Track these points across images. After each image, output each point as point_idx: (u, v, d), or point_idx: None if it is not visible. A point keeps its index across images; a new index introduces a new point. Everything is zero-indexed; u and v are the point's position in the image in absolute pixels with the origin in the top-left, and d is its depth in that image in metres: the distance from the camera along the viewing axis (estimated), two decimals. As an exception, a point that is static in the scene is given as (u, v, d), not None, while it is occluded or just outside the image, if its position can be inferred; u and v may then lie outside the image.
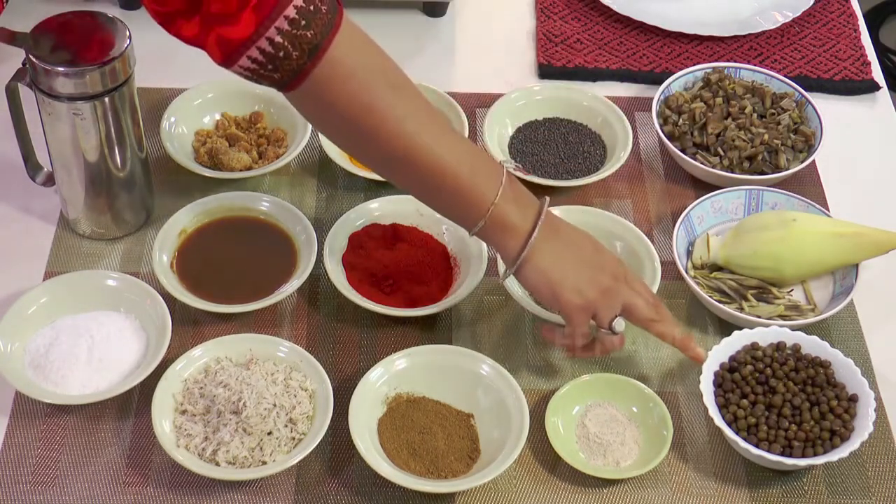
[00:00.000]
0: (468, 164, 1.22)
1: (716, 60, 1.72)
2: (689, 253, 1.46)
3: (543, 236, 1.23)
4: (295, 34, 1.14)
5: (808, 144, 1.56)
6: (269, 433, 1.25)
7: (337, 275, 1.39)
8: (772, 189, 1.49)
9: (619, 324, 1.28)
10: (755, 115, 1.57)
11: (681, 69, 1.67)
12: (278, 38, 1.13)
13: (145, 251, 1.45)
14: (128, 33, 1.35)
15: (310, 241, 1.41)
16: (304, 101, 1.21)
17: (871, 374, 1.37)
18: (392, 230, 1.45)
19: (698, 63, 1.70)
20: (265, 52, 1.14)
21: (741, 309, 1.40)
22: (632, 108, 1.64)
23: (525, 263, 1.24)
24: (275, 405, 1.26)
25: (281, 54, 1.15)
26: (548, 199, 1.26)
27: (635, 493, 1.27)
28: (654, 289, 1.38)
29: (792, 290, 1.44)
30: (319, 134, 1.53)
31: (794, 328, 1.36)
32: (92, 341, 1.31)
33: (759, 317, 1.38)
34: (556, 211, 1.47)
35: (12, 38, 1.33)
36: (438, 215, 1.45)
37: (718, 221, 1.49)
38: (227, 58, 1.16)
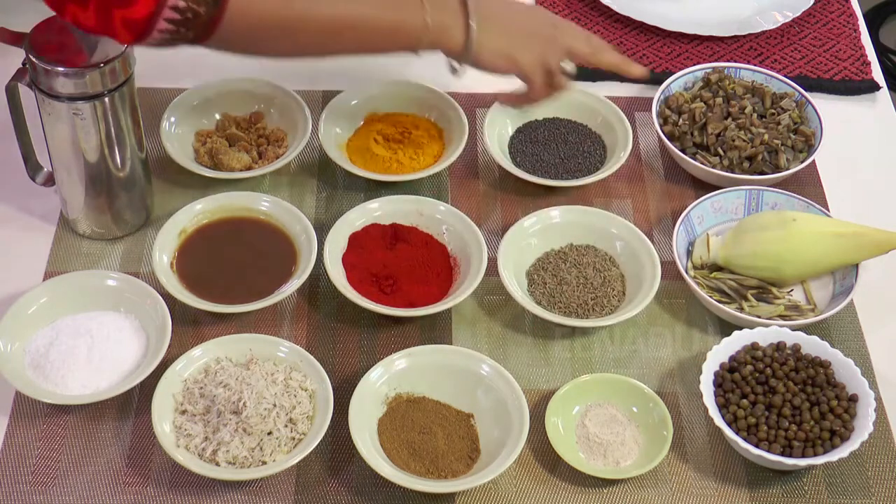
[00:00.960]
0: (387, 8, 1.31)
1: (716, 60, 1.72)
2: (689, 253, 1.46)
3: (478, 19, 1.33)
4: None
5: (808, 144, 1.56)
6: (269, 433, 1.25)
7: (337, 275, 1.39)
8: (772, 189, 1.49)
9: (569, 64, 1.42)
10: (755, 115, 1.57)
11: (681, 69, 1.67)
12: (182, 3, 1.16)
13: (145, 251, 1.45)
14: (128, 33, 1.34)
15: (310, 241, 1.41)
16: (223, 43, 1.25)
17: (871, 374, 1.37)
18: (392, 230, 1.45)
19: (698, 63, 1.70)
20: (173, 19, 1.16)
21: (741, 309, 1.40)
22: (632, 108, 1.64)
23: (476, 50, 1.34)
24: (275, 405, 1.26)
25: (189, 15, 1.17)
26: None
27: (635, 493, 1.27)
28: (654, 289, 1.39)
29: (792, 290, 1.44)
30: (319, 134, 1.53)
31: (794, 328, 1.36)
32: (92, 341, 1.31)
33: (759, 317, 1.38)
34: (556, 211, 1.47)
35: (12, 38, 1.33)
36: (438, 216, 1.45)
37: (718, 221, 1.49)
38: (138, 37, 1.18)
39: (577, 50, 1.41)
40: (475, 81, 1.68)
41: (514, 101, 1.46)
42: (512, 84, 1.44)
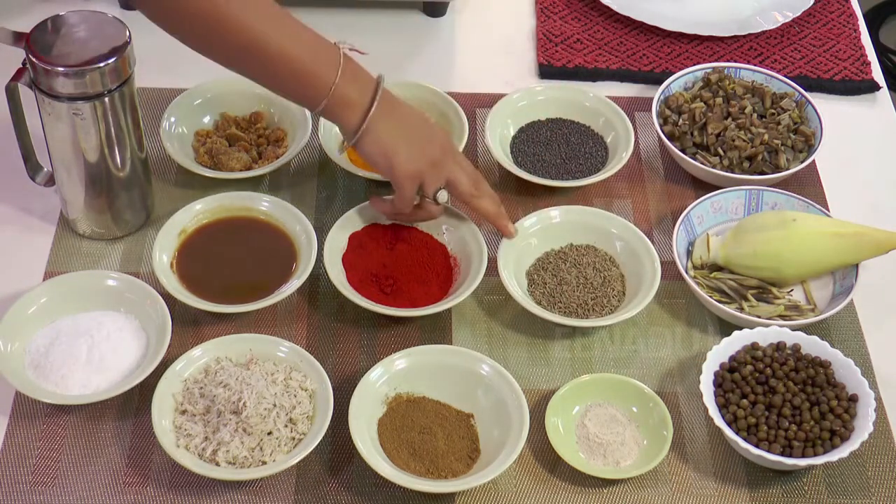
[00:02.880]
0: (309, 49, 1.31)
1: (716, 60, 1.72)
2: (689, 253, 1.46)
3: (381, 111, 1.33)
4: None
5: (808, 144, 1.56)
6: (269, 433, 1.25)
7: (337, 275, 1.39)
8: (772, 189, 1.49)
9: (442, 195, 1.40)
10: (755, 115, 1.57)
11: (681, 69, 1.67)
12: None
13: (145, 251, 1.45)
14: (128, 33, 1.35)
15: (310, 241, 1.41)
16: (150, 9, 1.28)
17: (871, 374, 1.37)
18: (392, 230, 1.45)
19: (698, 63, 1.70)
20: None
21: (741, 309, 1.40)
22: (632, 108, 1.64)
23: (364, 136, 1.34)
24: (275, 405, 1.26)
25: None
26: (383, 76, 1.35)
27: (635, 493, 1.27)
28: (654, 289, 1.39)
29: (792, 290, 1.44)
30: (319, 134, 1.53)
31: (794, 328, 1.36)
32: (92, 341, 1.31)
33: (759, 317, 1.38)
34: (556, 211, 1.47)
35: (12, 38, 1.33)
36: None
37: (718, 221, 1.49)
38: None
39: (461, 186, 1.39)
40: (475, 81, 1.69)
41: (380, 205, 1.44)
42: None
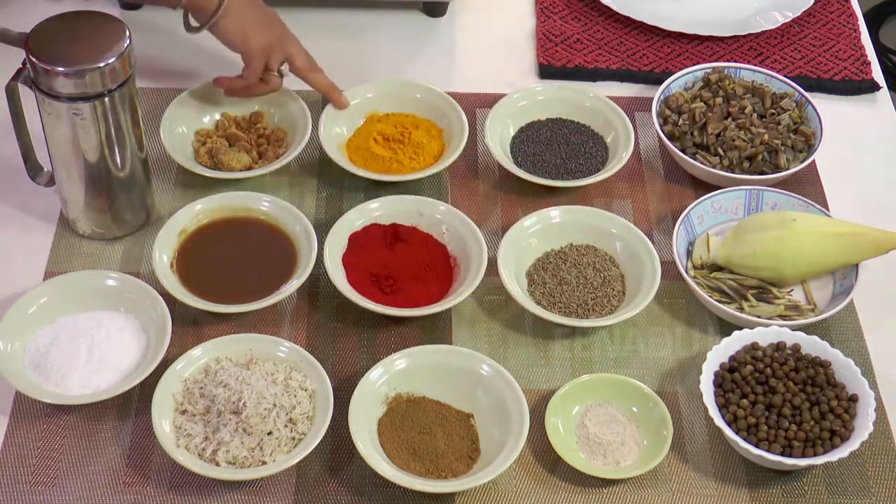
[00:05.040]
0: None
1: (716, 60, 1.72)
2: (689, 253, 1.46)
3: None
4: None
5: (808, 144, 1.56)
6: (269, 433, 1.25)
7: (337, 275, 1.39)
8: (772, 189, 1.49)
9: (285, 68, 1.55)
10: (755, 115, 1.57)
11: (681, 69, 1.67)
12: None
13: (145, 251, 1.45)
14: (128, 33, 1.35)
15: (310, 241, 1.41)
16: None
17: (871, 374, 1.37)
18: (392, 230, 1.45)
19: (698, 63, 1.70)
20: None
21: (741, 309, 1.40)
22: (632, 108, 1.64)
23: (223, 17, 1.48)
24: (275, 405, 1.26)
25: None
26: None
27: (635, 493, 1.27)
28: (654, 289, 1.39)
29: (792, 290, 1.44)
30: (319, 134, 1.53)
31: (794, 328, 1.36)
32: (92, 341, 1.31)
33: (759, 317, 1.38)
34: (556, 211, 1.47)
35: (12, 38, 1.33)
36: (438, 216, 1.45)
37: (718, 221, 1.49)
38: None
39: (299, 60, 1.54)
40: (475, 81, 1.69)
41: (227, 84, 1.55)
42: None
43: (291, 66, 1.55)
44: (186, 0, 1.47)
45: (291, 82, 1.59)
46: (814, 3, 1.79)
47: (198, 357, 1.31)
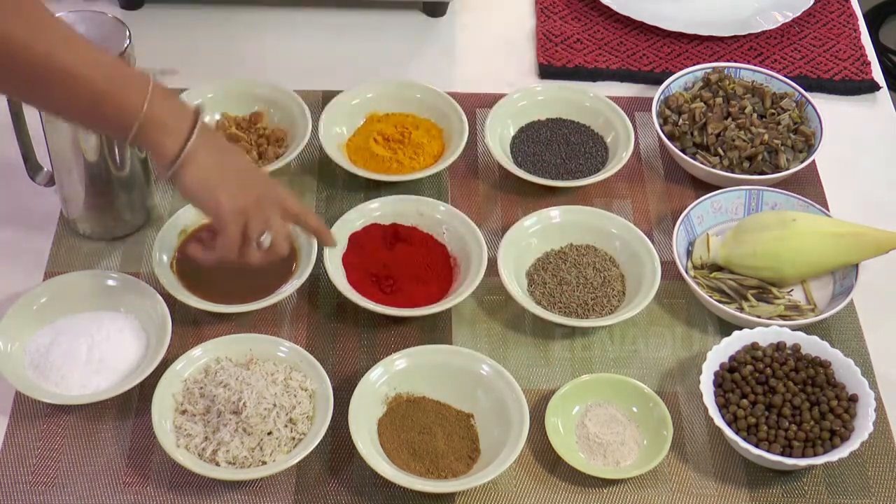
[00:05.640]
0: (103, 73, 1.17)
1: (716, 60, 1.72)
2: (689, 253, 1.46)
3: (202, 140, 1.21)
4: None
5: (808, 144, 1.56)
6: (269, 433, 1.25)
7: (337, 275, 1.39)
8: (772, 189, 1.49)
9: (267, 239, 1.28)
10: (755, 115, 1.57)
11: (681, 69, 1.67)
12: None
13: (145, 251, 1.45)
14: (128, 33, 1.34)
15: (310, 241, 1.41)
16: None
17: (871, 374, 1.37)
18: (392, 230, 1.45)
19: (698, 63, 1.70)
20: None
21: (741, 309, 1.40)
22: (632, 108, 1.64)
23: (185, 166, 1.21)
24: (275, 405, 1.26)
25: None
26: (202, 104, 1.28)
27: (635, 493, 1.27)
28: (654, 289, 1.39)
29: (792, 290, 1.44)
30: (319, 134, 1.53)
31: (794, 328, 1.36)
32: (92, 341, 1.31)
33: (759, 317, 1.38)
34: (556, 211, 1.47)
35: None
36: (438, 216, 1.45)
37: (718, 221, 1.49)
38: None
39: (285, 215, 1.30)
40: (475, 81, 1.69)
41: (200, 255, 1.30)
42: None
43: (286, 215, 1.30)
44: (134, 137, 1.19)
45: (291, 82, 1.59)
46: (814, 3, 1.79)
47: (198, 357, 1.31)
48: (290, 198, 1.31)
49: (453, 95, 1.60)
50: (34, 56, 1.14)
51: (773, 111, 1.58)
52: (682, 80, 1.63)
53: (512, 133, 1.59)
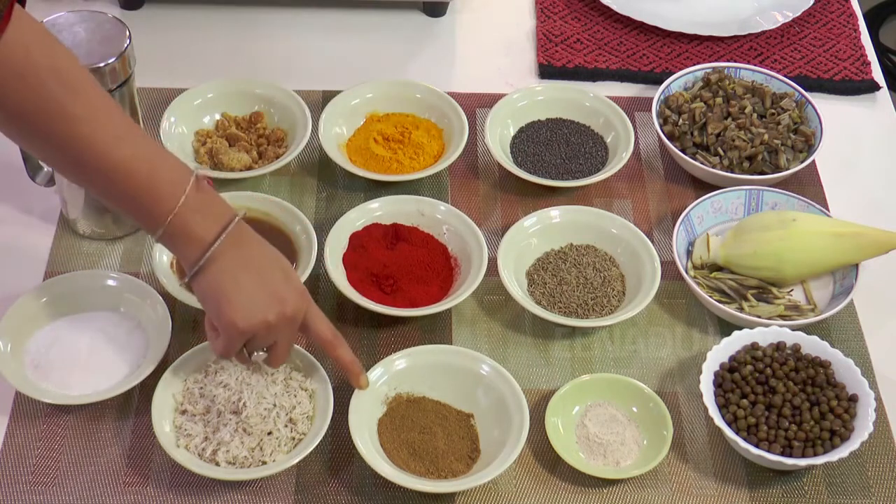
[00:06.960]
0: (146, 169, 1.14)
1: (716, 60, 1.72)
2: (689, 253, 1.46)
3: (225, 250, 1.16)
4: None
5: (808, 144, 1.56)
6: (269, 433, 1.25)
7: (337, 275, 1.39)
8: (772, 189, 1.49)
9: (260, 357, 1.27)
10: (755, 115, 1.57)
11: (681, 69, 1.67)
12: None
13: (145, 251, 1.45)
14: (128, 33, 1.35)
15: (310, 241, 1.41)
16: None
17: (871, 374, 1.37)
18: (393, 230, 1.45)
19: (698, 63, 1.70)
20: None
21: (741, 309, 1.40)
22: (632, 108, 1.64)
23: (200, 273, 1.17)
24: (275, 405, 1.26)
25: None
26: (244, 212, 1.19)
27: (635, 493, 1.27)
28: (654, 289, 1.39)
29: (792, 290, 1.44)
30: (319, 134, 1.53)
31: (794, 328, 1.36)
32: (92, 341, 1.31)
33: (759, 317, 1.38)
34: (556, 211, 1.47)
35: None
36: (439, 216, 1.45)
37: (718, 221, 1.49)
38: None
39: (278, 357, 1.24)
40: (475, 81, 1.69)
41: (211, 341, 1.25)
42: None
43: (270, 359, 1.25)
44: (165, 234, 1.16)
45: (291, 82, 1.59)
46: (814, 3, 1.79)
47: (198, 357, 1.31)
48: (322, 322, 1.24)
49: (453, 95, 1.60)
50: (80, 145, 1.10)
51: (773, 111, 1.58)
52: (682, 80, 1.63)
53: (512, 133, 1.59)
